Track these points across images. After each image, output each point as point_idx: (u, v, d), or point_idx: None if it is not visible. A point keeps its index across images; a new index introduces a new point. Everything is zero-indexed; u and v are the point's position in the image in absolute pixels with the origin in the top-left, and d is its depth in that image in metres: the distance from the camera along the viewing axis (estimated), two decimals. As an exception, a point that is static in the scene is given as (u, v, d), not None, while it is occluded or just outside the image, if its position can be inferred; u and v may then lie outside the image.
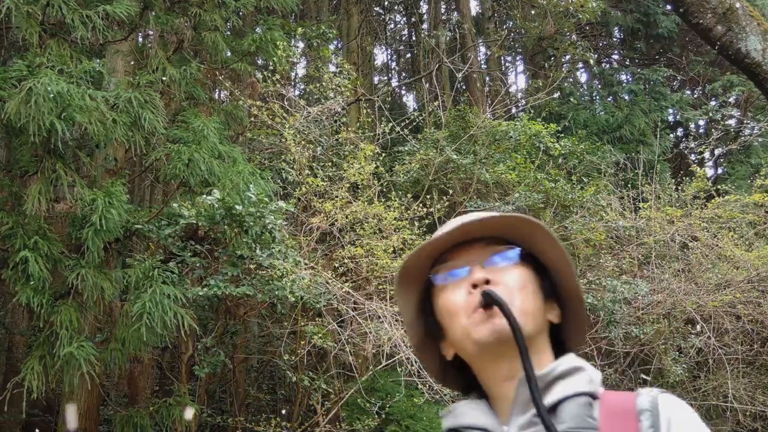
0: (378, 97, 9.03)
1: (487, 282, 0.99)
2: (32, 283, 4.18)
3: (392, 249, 6.51)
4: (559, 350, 1.06)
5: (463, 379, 1.10)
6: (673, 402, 0.95)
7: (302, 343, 6.18)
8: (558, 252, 1.06)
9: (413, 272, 1.09)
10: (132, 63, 6.12)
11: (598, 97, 14.42)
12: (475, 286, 1.00)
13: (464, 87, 12.45)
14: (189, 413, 5.37)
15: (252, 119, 7.65)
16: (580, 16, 11.06)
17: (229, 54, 6.81)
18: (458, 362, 1.09)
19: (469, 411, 1.01)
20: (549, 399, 0.94)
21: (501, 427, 0.97)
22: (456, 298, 1.02)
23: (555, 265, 1.07)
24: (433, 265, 1.08)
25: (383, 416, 6.66)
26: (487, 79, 14.59)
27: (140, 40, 7.07)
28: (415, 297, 1.11)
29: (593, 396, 0.96)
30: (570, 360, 0.99)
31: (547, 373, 0.96)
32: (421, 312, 1.12)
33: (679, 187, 8.97)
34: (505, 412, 0.99)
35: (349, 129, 7.97)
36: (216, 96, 8.57)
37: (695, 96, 14.98)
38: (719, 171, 14.21)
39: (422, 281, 1.09)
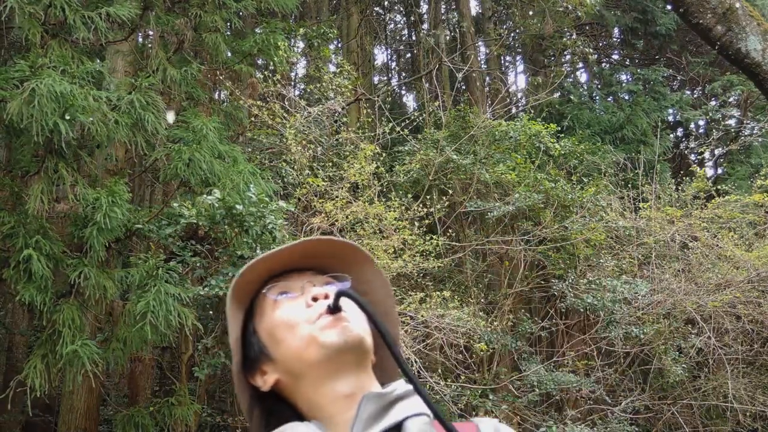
0: (378, 97, 9.04)
1: (326, 297, 0.99)
2: (34, 281, 4.19)
3: (392, 249, 6.52)
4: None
5: (275, 416, 1.02)
6: (508, 428, 0.99)
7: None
8: (383, 287, 1.08)
9: (243, 291, 1.05)
10: (132, 63, 6.13)
11: (597, 97, 14.43)
12: (315, 299, 0.99)
13: (464, 87, 12.46)
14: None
15: (252, 119, 7.66)
16: (579, 13, 11.07)
17: (229, 55, 6.82)
18: (273, 396, 1.03)
19: None
20: (393, 418, 0.93)
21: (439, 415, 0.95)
22: (294, 311, 1.00)
23: (376, 304, 1.06)
24: (263, 286, 1.06)
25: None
26: (487, 78, 14.60)
27: (140, 40, 7.08)
28: (241, 316, 1.07)
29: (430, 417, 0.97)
30: (404, 384, 0.99)
31: (388, 393, 0.96)
32: (242, 334, 1.06)
33: (679, 187, 8.98)
34: (336, 423, 0.96)
35: (349, 129, 7.98)
36: (216, 96, 8.58)
37: (695, 96, 14.99)
38: (719, 171, 14.22)
39: (248, 300, 1.06)
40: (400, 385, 0.99)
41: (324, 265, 1.07)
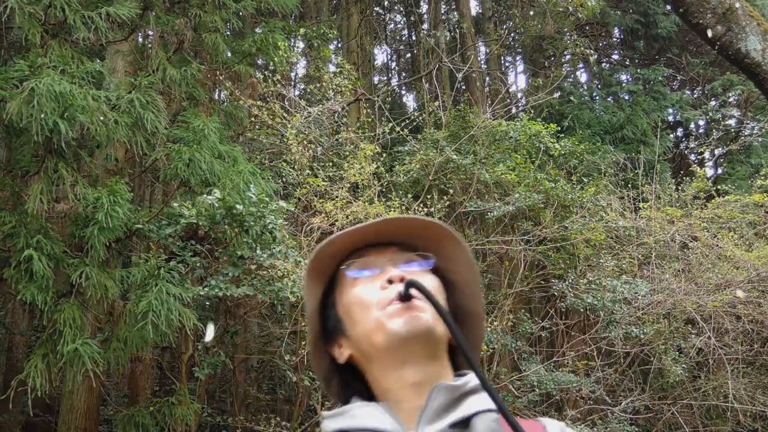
0: (378, 97, 9.04)
1: (402, 280, 0.96)
2: (35, 281, 4.19)
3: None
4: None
5: (351, 388, 1.04)
6: None
7: (302, 343, 6.18)
8: (468, 268, 1.05)
9: (323, 264, 1.05)
10: (132, 63, 6.13)
11: (597, 97, 14.43)
12: (390, 281, 0.97)
13: (464, 87, 12.46)
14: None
15: (252, 119, 7.66)
16: (580, 15, 11.07)
17: (229, 55, 6.81)
18: (349, 369, 1.04)
19: (369, 413, 0.95)
20: (463, 411, 0.92)
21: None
22: (369, 292, 0.99)
23: (460, 283, 1.06)
24: (345, 259, 1.05)
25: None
26: (487, 78, 14.60)
27: (140, 40, 7.08)
28: (320, 289, 1.07)
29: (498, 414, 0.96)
30: (474, 377, 0.97)
31: (460, 386, 0.95)
32: (322, 305, 1.07)
33: (679, 187, 8.98)
34: (409, 417, 0.95)
35: (349, 129, 7.98)
36: (216, 96, 8.58)
37: (695, 96, 14.99)
38: (719, 171, 14.22)
39: (330, 273, 1.06)
40: (474, 378, 0.97)
41: (409, 242, 1.05)
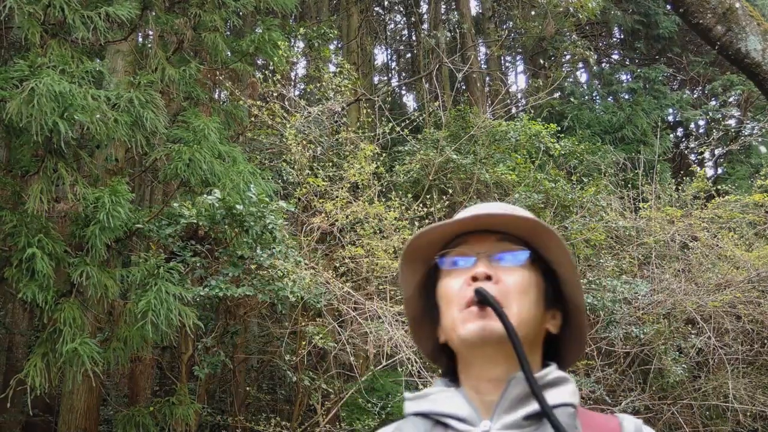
0: (378, 97, 9.03)
1: (488, 278, 0.97)
2: (37, 280, 4.19)
3: (392, 249, 6.51)
4: (553, 361, 1.05)
5: (452, 364, 1.07)
6: None
7: (302, 343, 6.18)
8: (567, 262, 1.03)
9: (420, 251, 1.06)
10: (132, 63, 6.12)
11: (598, 97, 14.43)
12: (475, 279, 0.98)
13: (464, 87, 12.46)
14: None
15: (252, 119, 7.65)
16: (580, 16, 11.07)
17: (229, 54, 6.81)
18: (449, 349, 1.07)
19: (447, 399, 0.99)
20: (536, 405, 0.93)
21: (482, 421, 0.95)
22: (455, 287, 1.00)
23: (563, 275, 1.04)
24: (444, 246, 1.05)
25: (383, 416, 6.66)
26: (487, 79, 14.59)
27: (140, 40, 7.08)
28: (419, 275, 1.09)
29: (574, 408, 0.96)
30: (557, 369, 0.99)
31: (540, 378, 0.95)
32: (422, 290, 1.10)
33: (680, 187, 8.97)
34: (486, 407, 0.97)
35: (349, 129, 7.98)
36: (216, 96, 8.58)
37: (695, 96, 14.99)
38: (719, 171, 14.22)
39: (429, 261, 1.07)
40: (553, 371, 0.97)
41: (511, 232, 1.03)
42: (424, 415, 1.00)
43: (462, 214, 1.04)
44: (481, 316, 0.95)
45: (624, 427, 0.97)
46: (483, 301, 0.94)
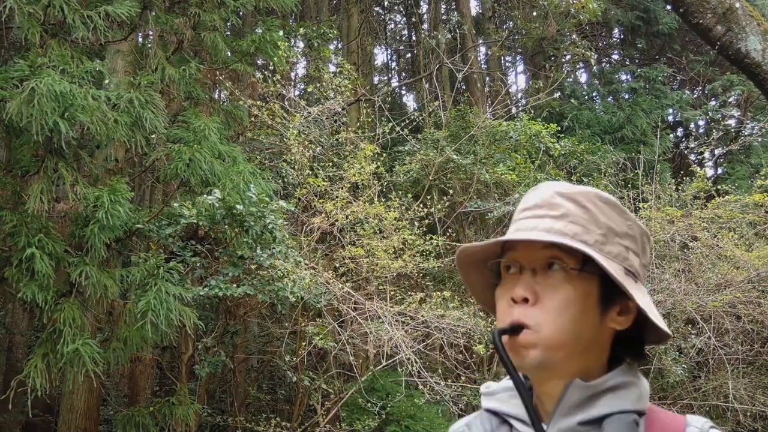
0: (378, 97, 9.03)
1: (526, 300, 0.94)
2: (37, 280, 4.19)
3: (392, 249, 6.51)
4: (630, 351, 1.02)
5: None
6: None
7: (302, 343, 6.18)
8: (614, 279, 0.97)
9: (475, 256, 1.04)
10: (132, 63, 6.12)
11: (598, 97, 14.43)
12: (514, 301, 0.95)
13: (464, 87, 12.46)
14: None
15: (252, 119, 7.65)
16: (581, 17, 11.07)
17: (229, 54, 6.81)
18: None
19: (509, 399, 1.01)
20: (595, 411, 0.92)
21: (541, 425, 0.96)
22: (501, 304, 0.99)
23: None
24: (501, 249, 1.03)
25: (383, 416, 6.66)
26: (487, 79, 14.59)
27: (140, 40, 7.08)
28: (485, 275, 1.06)
29: (640, 413, 0.94)
30: (622, 373, 0.96)
31: (597, 384, 0.94)
32: (492, 286, 1.06)
33: (679, 187, 8.97)
34: (546, 412, 0.98)
35: (349, 129, 7.98)
36: (216, 96, 8.58)
37: (695, 96, 14.99)
38: (719, 171, 14.22)
39: (485, 264, 1.05)
40: (615, 375, 0.95)
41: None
42: (494, 412, 1.02)
43: (517, 211, 1.02)
44: (512, 346, 0.95)
45: (688, 430, 0.94)
46: (497, 344, 0.94)
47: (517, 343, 0.94)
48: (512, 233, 0.99)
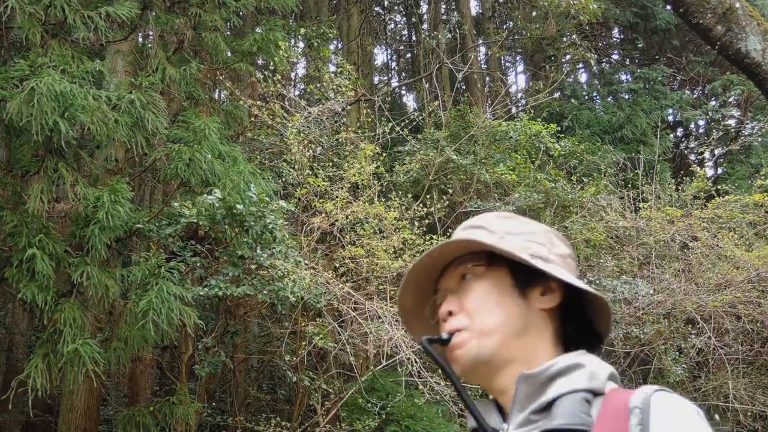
0: (378, 97, 9.03)
1: (450, 313, 1.03)
2: (37, 280, 4.19)
3: (392, 249, 6.51)
4: (582, 334, 1.05)
5: None
6: (667, 400, 0.90)
7: (302, 343, 6.18)
8: (509, 254, 1.04)
9: (415, 308, 1.14)
10: (132, 63, 6.12)
11: (597, 97, 14.43)
12: (444, 320, 1.04)
13: (464, 87, 12.46)
14: None
15: (252, 119, 7.65)
16: (581, 17, 11.07)
17: (229, 54, 6.81)
18: None
19: (483, 413, 1.04)
20: (545, 397, 0.93)
21: (502, 425, 0.98)
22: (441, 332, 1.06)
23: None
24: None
25: (383, 416, 6.66)
26: (487, 79, 14.60)
27: (140, 40, 7.08)
28: (432, 326, 1.14)
29: (595, 392, 0.93)
30: (569, 357, 0.97)
31: (542, 371, 0.95)
32: None
33: (679, 187, 8.98)
34: (508, 410, 1.00)
35: (350, 129, 7.98)
36: (216, 96, 8.58)
37: (695, 96, 14.99)
38: (719, 171, 14.22)
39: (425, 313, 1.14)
40: (562, 360, 0.96)
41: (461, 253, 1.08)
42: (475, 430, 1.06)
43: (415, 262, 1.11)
44: (450, 353, 1.03)
45: (631, 399, 0.92)
46: (426, 347, 1.02)
47: (453, 346, 1.01)
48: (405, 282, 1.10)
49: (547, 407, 0.92)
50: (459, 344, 1.00)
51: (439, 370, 7.00)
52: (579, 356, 0.98)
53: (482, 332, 1.00)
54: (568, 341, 1.04)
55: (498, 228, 1.07)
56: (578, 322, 1.06)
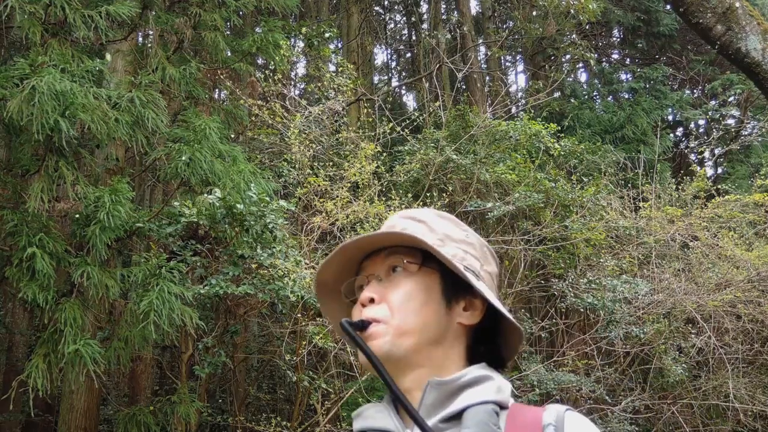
0: (378, 96, 9.03)
1: (372, 300, 1.00)
2: (37, 280, 4.19)
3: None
4: (488, 355, 1.05)
5: None
6: (579, 419, 0.95)
7: (302, 343, 6.18)
8: (445, 260, 1.01)
9: (332, 284, 1.10)
10: (132, 63, 6.12)
11: (598, 97, 14.43)
12: (363, 305, 1.02)
13: (464, 87, 12.46)
14: None
15: (252, 119, 7.65)
16: (581, 17, 11.07)
17: (229, 54, 6.81)
18: None
19: (376, 414, 1.02)
20: (454, 407, 0.94)
21: (405, 430, 0.98)
22: (354, 315, 1.04)
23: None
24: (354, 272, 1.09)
25: (384, 416, 6.65)
26: (487, 79, 14.60)
27: (140, 39, 7.08)
28: (342, 302, 1.11)
29: (501, 405, 0.96)
30: (478, 369, 0.99)
31: (453, 380, 0.96)
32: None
33: (680, 187, 8.97)
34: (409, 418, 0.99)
35: (350, 128, 7.98)
36: (216, 95, 8.58)
37: (695, 95, 14.99)
38: (719, 171, 14.23)
39: (345, 284, 1.10)
40: (472, 371, 0.98)
41: (396, 243, 1.05)
42: None
43: (342, 245, 1.08)
44: (366, 339, 0.99)
45: (544, 417, 0.96)
46: (361, 327, 0.98)
47: (368, 336, 0.99)
48: (338, 250, 1.06)
49: (456, 416, 0.93)
50: (374, 335, 0.98)
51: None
52: (485, 369, 1.00)
53: (400, 330, 0.98)
54: (474, 359, 1.04)
55: (439, 228, 1.06)
56: (490, 343, 1.07)
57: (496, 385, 0.97)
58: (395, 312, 0.99)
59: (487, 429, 0.91)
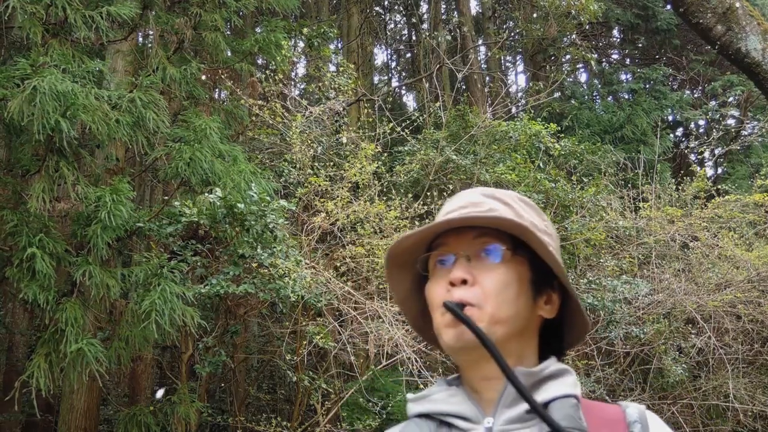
0: (378, 97, 9.04)
1: (464, 282, 0.97)
2: (38, 280, 4.19)
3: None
4: (552, 347, 1.06)
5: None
6: (657, 419, 0.98)
7: (303, 343, 6.18)
8: (545, 252, 1.00)
9: (403, 256, 1.06)
10: (132, 63, 6.13)
11: (598, 97, 14.44)
12: (453, 284, 0.98)
13: (464, 87, 12.46)
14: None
15: (253, 118, 7.66)
16: (582, 18, 11.07)
17: (229, 54, 6.82)
18: None
19: (448, 398, 1.00)
20: (539, 398, 0.94)
21: (484, 418, 0.96)
22: (436, 291, 1.00)
23: (547, 261, 1.03)
24: (427, 248, 1.05)
25: (384, 416, 6.66)
26: (487, 79, 14.60)
27: (140, 40, 7.08)
28: (410, 276, 1.09)
29: (577, 399, 0.97)
30: (556, 362, 1.00)
31: (538, 372, 0.96)
32: (416, 292, 1.10)
33: (680, 187, 8.98)
34: (487, 404, 0.98)
35: (350, 129, 7.98)
36: (217, 95, 8.58)
37: (695, 96, 15.00)
38: (719, 171, 14.23)
39: (415, 263, 1.06)
40: (553, 363, 0.98)
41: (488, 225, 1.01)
42: (428, 416, 1.00)
43: (439, 215, 1.05)
44: (456, 323, 0.95)
45: (627, 414, 0.97)
46: (458, 312, 0.94)
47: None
48: (443, 224, 1.01)
49: (543, 407, 0.93)
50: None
51: (440, 369, 7.00)
52: (560, 362, 1.01)
53: (494, 319, 0.96)
54: (544, 351, 1.04)
55: (526, 215, 1.03)
56: (556, 336, 1.07)
57: (574, 379, 0.98)
58: (490, 298, 0.96)
59: (574, 423, 0.91)
